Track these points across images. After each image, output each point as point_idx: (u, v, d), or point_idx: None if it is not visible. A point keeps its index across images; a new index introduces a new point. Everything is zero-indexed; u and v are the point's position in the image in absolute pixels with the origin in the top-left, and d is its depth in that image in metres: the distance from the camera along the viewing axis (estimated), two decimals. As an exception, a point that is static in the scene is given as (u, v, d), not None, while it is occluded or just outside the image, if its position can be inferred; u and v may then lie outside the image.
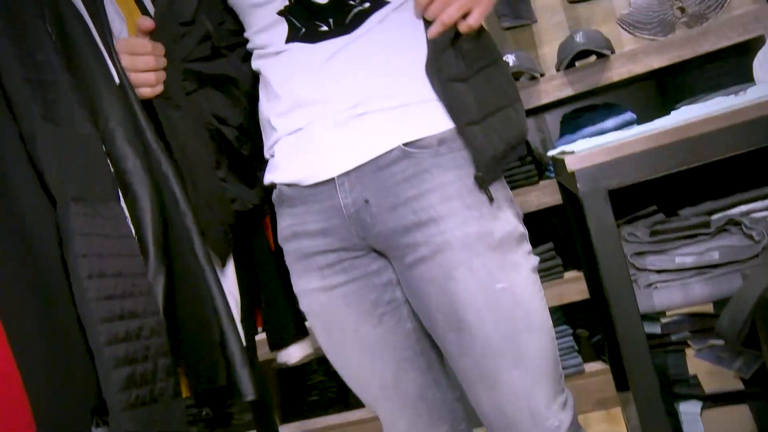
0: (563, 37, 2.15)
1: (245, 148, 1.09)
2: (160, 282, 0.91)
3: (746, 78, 1.99)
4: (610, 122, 2.08)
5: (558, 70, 2.11)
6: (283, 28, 0.95)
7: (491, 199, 0.91)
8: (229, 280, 1.15)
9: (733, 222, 1.10)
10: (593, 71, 2.06)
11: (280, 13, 0.94)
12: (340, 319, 1.01)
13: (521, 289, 0.92)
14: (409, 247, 0.93)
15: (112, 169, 0.90)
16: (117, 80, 0.96)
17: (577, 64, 2.12)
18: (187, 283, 0.97)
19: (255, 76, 1.05)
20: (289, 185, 0.98)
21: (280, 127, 0.97)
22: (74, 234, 0.77)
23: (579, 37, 2.08)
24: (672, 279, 1.13)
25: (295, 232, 1.00)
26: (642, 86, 2.30)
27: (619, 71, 2.04)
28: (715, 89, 2.01)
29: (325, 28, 0.92)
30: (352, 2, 0.91)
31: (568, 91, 2.08)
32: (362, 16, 0.91)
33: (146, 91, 0.98)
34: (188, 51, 1.04)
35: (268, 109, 1.00)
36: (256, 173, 1.11)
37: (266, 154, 1.03)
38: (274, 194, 1.02)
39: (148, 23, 0.99)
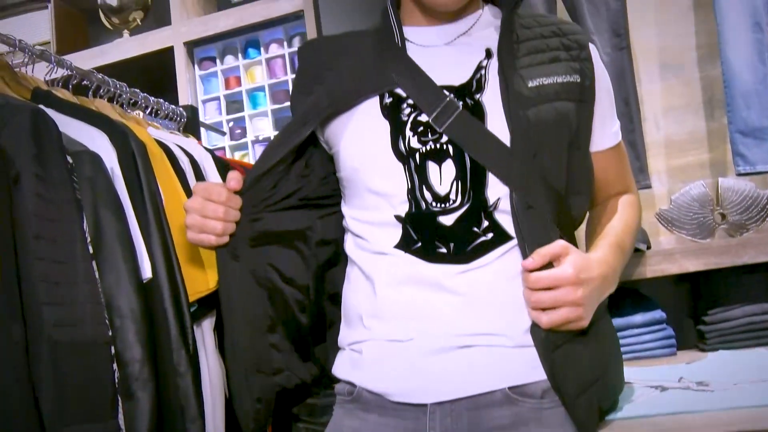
0: (600, 224, 2.12)
1: (305, 317, 1.03)
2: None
3: (784, 293, 1.93)
4: (638, 317, 2.01)
5: (591, 257, 2.06)
6: (395, 231, 0.93)
7: None
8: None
9: None
10: (627, 264, 2.01)
11: (398, 217, 0.92)
12: None
13: None
14: None
15: (117, 374, 0.85)
16: (148, 274, 0.92)
17: (610, 252, 2.07)
18: None
19: (331, 243, 1.03)
20: (371, 392, 0.93)
21: (375, 329, 0.93)
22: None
23: (616, 226, 2.05)
24: None
25: None
26: (675, 285, 2.25)
27: (653, 268, 1.99)
28: (752, 301, 1.95)
29: (443, 250, 0.90)
30: (476, 230, 0.90)
31: (598, 281, 2.02)
32: (484, 248, 0.90)
33: (210, 239, 0.95)
34: (270, 204, 1.00)
35: (360, 303, 0.96)
36: (312, 346, 1.05)
37: (344, 344, 0.99)
38: (345, 389, 0.97)
39: (234, 183, 0.96)
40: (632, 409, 0.94)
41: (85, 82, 1.35)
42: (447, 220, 0.91)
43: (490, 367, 0.88)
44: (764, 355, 1.14)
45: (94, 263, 0.85)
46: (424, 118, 0.93)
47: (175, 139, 1.22)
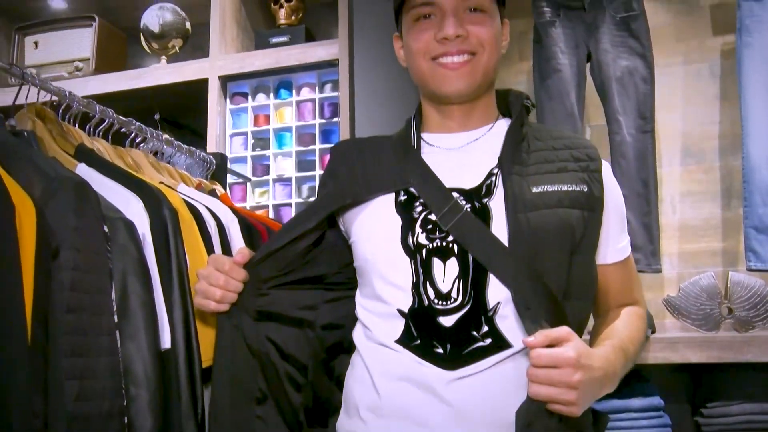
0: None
1: (299, 396, 1.06)
2: None
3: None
4: (636, 402, 2.02)
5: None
6: (398, 325, 0.97)
7: None
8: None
9: None
10: (630, 347, 2.03)
11: (401, 312, 0.96)
12: None
13: None
14: None
15: (127, 443, 0.88)
16: (167, 344, 0.96)
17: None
18: None
19: (340, 328, 1.07)
20: None
21: (370, 424, 0.96)
22: None
23: (623, 308, 2.07)
24: None
25: None
26: (676, 373, 2.25)
27: (655, 355, 2.00)
28: (751, 399, 1.96)
29: (440, 350, 0.93)
30: (475, 334, 0.93)
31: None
32: (480, 354, 0.92)
33: (210, 304, 1.01)
34: (280, 284, 1.06)
35: (359, 393, 1.00)
36: (306, 427, 1.08)
37: (340, 430, 1.02)
38: None
39: (239, 258, 1.03)
40: None
41: (123, 129, 1.40)
42: (447, 321, 0.94)
43: None
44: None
45: (117, 332, 0.89)
46: (433, 216, 0.98)
47: (204, 200, 1.27)
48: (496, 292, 0.94)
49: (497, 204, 0.99)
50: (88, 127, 1.29)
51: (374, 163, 1.06)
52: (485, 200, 0.99)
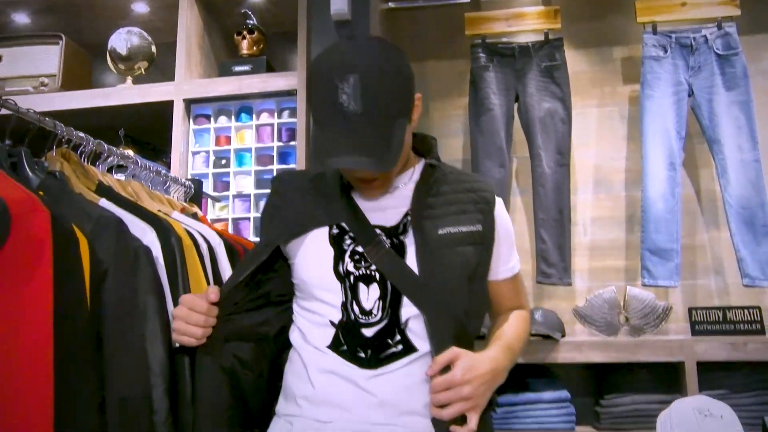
0: (526, 312, 2.49)
1: (254, 400, 1.26)
2: None
3: (671, 389, 2.32)
4: (547, 395, 2.37)
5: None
6: (329, 333, 1.19)
7: None
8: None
9: None
10: (543, 347, 2.37)
11: (333, 323, 1.19)
12: None
13: None
14: None
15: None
16: (177, 344, 1.22)
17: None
18: None
19: (283, 336, 1.27)
20: None
21: (305, 409, 1.18)
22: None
23: (538, 316, 2.42)
24: None
25: None
26: (582, 371, 2.62)
27: (564, 355, 2.36)
28: (643, 392, 2.34)
29: (362, 355, 1.17)
30: (389, 342, 1.17)
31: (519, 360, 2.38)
32: (394, 357, 1.17)
33: (191, 341, 1.19)
34: (239, 310, 1.25)
35: (296, 384, 1.21)
36: (257, 416, 1.28)
37: (280, 413, 1.23)
38: None
39: (213, 297, 1.21)
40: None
41: (121, 163, 1.64)
42: (368, 332, 1.18)
43: None
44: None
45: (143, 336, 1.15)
46: (360, 249, 1.22)
47: (196, 226, 1.53)
48: (408, 310, 1.19)
49: (410, 241, 1.22)
50: (97, 163, 1.53)
51: (312, 200, 1.27)
52: (401, 237, 1.22)
